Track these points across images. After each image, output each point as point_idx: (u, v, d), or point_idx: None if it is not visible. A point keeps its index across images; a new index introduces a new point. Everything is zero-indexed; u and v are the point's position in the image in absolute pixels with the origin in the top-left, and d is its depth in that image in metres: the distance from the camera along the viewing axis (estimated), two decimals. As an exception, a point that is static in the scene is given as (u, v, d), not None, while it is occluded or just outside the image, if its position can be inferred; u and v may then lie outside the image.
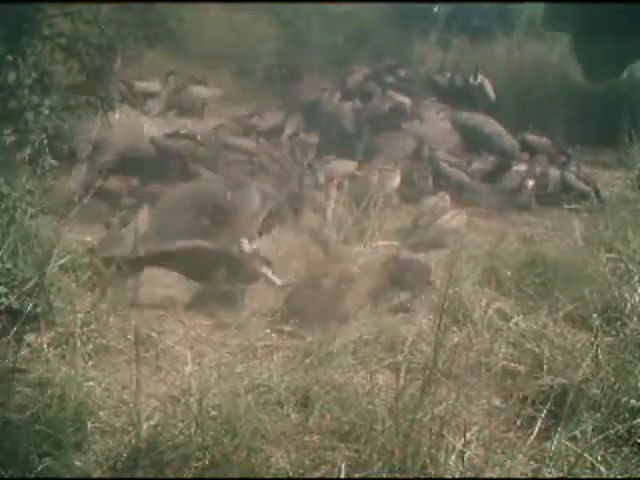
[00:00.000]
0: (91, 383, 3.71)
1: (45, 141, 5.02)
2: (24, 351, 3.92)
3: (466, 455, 3.20)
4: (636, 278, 4.96)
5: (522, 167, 8.12)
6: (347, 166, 7.49)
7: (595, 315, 4.56)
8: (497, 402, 3.87)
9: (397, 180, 7.73)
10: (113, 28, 5.44)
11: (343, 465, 3.26)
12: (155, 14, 10.01)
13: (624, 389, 3.77)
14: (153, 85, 9.17)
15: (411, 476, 3.19)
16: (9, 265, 4.15)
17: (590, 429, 3.43)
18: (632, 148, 8.33)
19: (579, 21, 9.81)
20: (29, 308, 3.99)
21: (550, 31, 11.63)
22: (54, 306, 4.17)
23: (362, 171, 7.65)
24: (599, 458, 3.34)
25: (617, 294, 4.88)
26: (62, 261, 4.38)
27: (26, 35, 4.76)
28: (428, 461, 3.21)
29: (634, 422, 3.60)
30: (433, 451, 3.23)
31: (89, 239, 5.32)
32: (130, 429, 3.42)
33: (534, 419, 3.50)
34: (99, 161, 6.73)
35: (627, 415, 3.67)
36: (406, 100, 8.92)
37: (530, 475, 3.32)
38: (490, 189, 8.12)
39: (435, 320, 4.47)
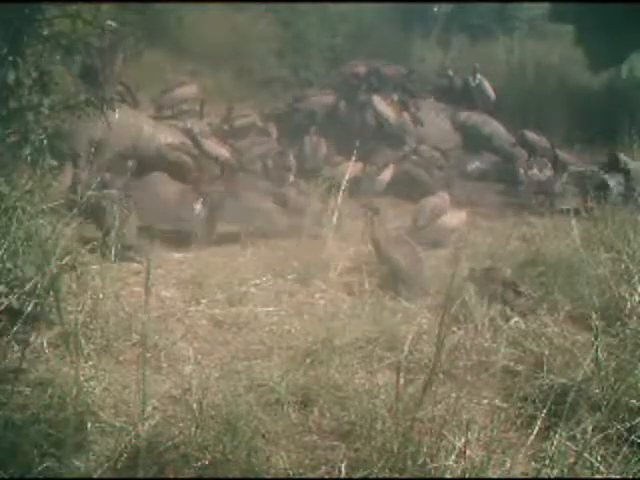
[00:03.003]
0: (91, 383, 3.71)
1: (45, 141, 5.02)
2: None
3: (466, 455, 3.20)
4: (636, 278, 4.96)
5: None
6: (354, 168, 7.49)
7: (595, 315, 4.56)
8: (497, 402, 3.87)
9: (387, 176, 7.77)
10: (114, 28, 5.44)
11: (343, 465, 3.26)
12: (155, 14, 10.06)
13: (624, 389, 3.77)
14: (189, 89, 9.20)
15: (411, 476, 3.19)
16: (9, 265, 4.14)
17: (590, 429, 3.43)
18: (632, 148, 8.34)
19: (582, 13, 9.87)
20: (29, 308, 3.99)
21: (556, 23, 11.69)
22: (54, 306, 4.17)
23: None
24: (599, 458, 3.34)
25: (617, 294, 4.88)
26: (63, 262, 4.38)
27: (26, 35, 4.75)
28: (428, 461, 3.21)
29: (634, 422, 3.60)
30: (433, 451, 3.23)
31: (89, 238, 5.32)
32: (130, 429, 3.42)
33: (534, 419, 3.50)
34: (99, 161, 6.73)
35: (627, 415, 3.67)
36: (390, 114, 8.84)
37: (530, 475, 3.32)
38: (486, 188, 8.16)
39: (436, 320, 4.49)
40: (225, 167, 7.42)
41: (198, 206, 6.38)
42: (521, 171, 8.05)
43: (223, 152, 7.69)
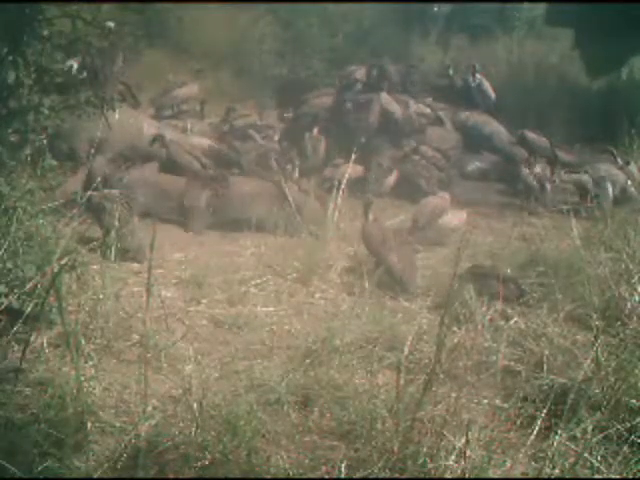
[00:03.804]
0: (91, 383, 3.71)
1: (45, 141, 5.03)
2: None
3: (466, 455, 3.19)
4: (636, 278, 4.96)
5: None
6: (354, 170, 7.45)
7: (595, 315, 4.56)
8: (497, 402, 3.87)
9: (393, 178, 7.79)
10: (114, 28, 5.45)
11: (343, 465, 3.26)
12: (155, 14, 10.05)
13: (624, 389, 3.77)
14: (191, 89, 9.18)
15: (411, 476, 3.19)
16: (9, 265, 4.14)
17: (590, 429, 3.43)
18: (631, 148, 8.35)
19: (580, 18, 9.85)
20: (29, 308, 3.99)
21: (553, 27, 11.67)
22: (54, 306, 4.17)
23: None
24: (599, 458, 3.34)
25: (617, 294, 4.88)
26: (62, 262, 4.38)
27: (26, 35, 4.76)
28: (428, 461, 3.21)
29: (634, 422, 3.60)
30: (433, 451, 3.23)
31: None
32: (130, 429, 3.42)
33: (534, 419, 3.50)
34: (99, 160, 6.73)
35: (627, 415, 3.67)
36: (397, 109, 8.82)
37: (530, 475, 3.32)
38: (486, 188, 8.17)
39: (436, 320, 4.49)
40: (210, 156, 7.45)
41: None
42: (524, 171, 8.04)
43: (204, 142, 7.69)
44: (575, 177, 7.96)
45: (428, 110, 8.98)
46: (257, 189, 6.82)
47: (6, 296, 4.05)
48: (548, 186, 7.82)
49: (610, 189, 7.74)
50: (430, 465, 3.19)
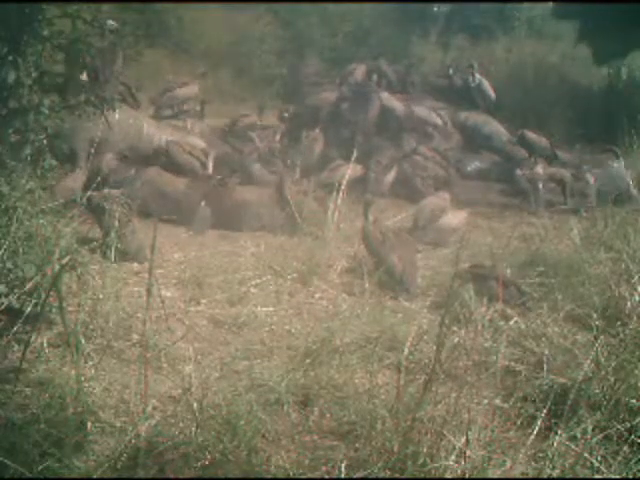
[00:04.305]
0: (91, 383, 3.71)
1: (45, 141, 5.02)
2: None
3: (466, 455, 3.19)
4: (636, 278, 4.96)
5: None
6: (354, 170, 7.43)
7: (595, 315, 4.56)
8: (497, 402, 3.87)
9: (391, 177, 7.80)
10: (114, 28, 5.46)
11: (343, 465, 3.26)
12: (155, 14, 10.06)
13: (624, 389, 3.77)
14: (191, 89, 9.18)
15: (411, 476, 3.19)
16: (9, 265, 4.14)
17: (590, 429, 3.43)
18: (631, 148, 8.35)
19: (588, 8, 9.90)
20: (29, 308, 3.98)
21: (560, 19, 11.73)
22: (54, 306, 4.17)
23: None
24: (599, 458, 3.34)
25: (617, 294, 4.88)
26: (63, 262, 4.37)
27: (26, 35, 4.76)
28: (428, 461, 3.21)
29: (634, 422, 3.60)
30: (433, 451, 3.23)
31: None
32: (130, 429, 3.42)
33: (534, 419, 3.50)
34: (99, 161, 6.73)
35: (627, 415, 3.67)
36: (397, 105, 8.82)
37: (530, 475, 3.32)
38: (486, 188, 8.18)
39: (436, 320, 4.49)
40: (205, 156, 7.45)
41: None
42: (518, 172, 8.03)
43: (199, 142, 7.69)
44: (552, 171, 7.97)
45: (439, 121, 8.96)
46: (258, 196, 6.81)
47: (6, 296, 4.05)
48: (541, 186, 7.81)
49: (592, 182, 7.75)
50: (430, 465, 3.18)
